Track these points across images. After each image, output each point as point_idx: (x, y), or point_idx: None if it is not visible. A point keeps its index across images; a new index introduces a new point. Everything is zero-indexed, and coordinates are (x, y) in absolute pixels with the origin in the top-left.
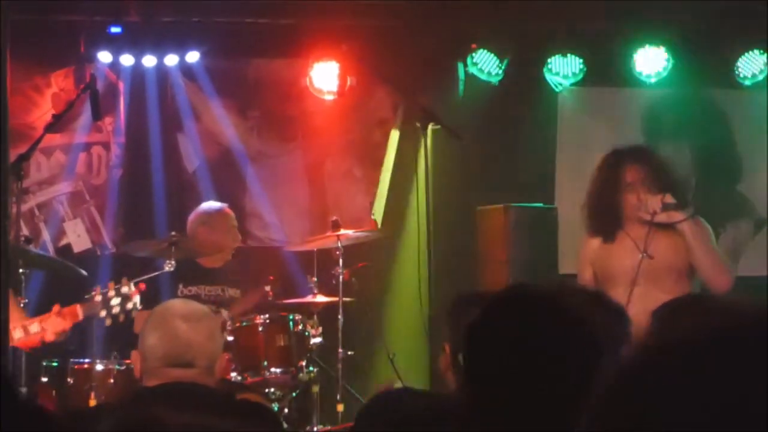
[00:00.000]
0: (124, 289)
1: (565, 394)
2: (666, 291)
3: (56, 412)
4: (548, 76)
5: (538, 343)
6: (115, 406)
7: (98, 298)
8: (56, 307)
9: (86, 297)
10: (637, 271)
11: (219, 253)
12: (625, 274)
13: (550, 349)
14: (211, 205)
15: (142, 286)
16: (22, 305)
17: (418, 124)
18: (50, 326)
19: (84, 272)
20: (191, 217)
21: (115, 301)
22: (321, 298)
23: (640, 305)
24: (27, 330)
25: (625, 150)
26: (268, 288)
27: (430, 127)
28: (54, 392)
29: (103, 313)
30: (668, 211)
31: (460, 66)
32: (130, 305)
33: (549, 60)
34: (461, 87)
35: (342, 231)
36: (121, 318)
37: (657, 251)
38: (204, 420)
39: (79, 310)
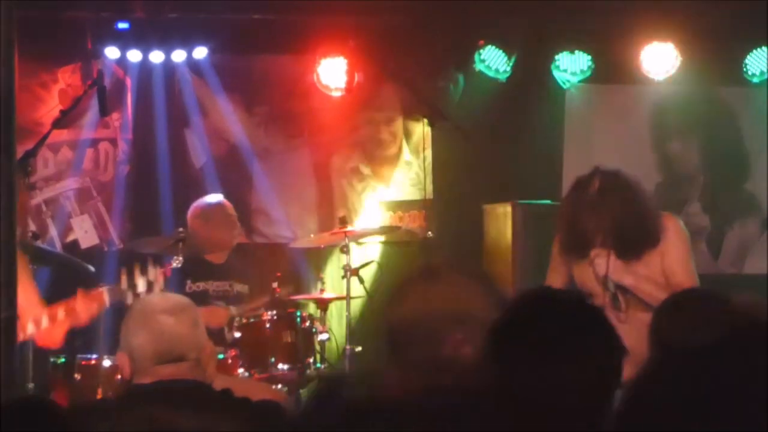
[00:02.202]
0: (151, 274)
1: (590, 393)
2: (648, 306)
3: (64, 407)
4: (556, 73)
5: (563, 343)
6: (113, 405)
7: (125, 283)
8: (80, 292)
9: (112, 286)
10: (603, 293)
11: (220, 247)
12: (603, 296)
13: (574, 349)
14: (207, 199)
15: (168, 271)
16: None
17: (425, 121)
18: (81, 310)
19: (91, 268)
20: (189, 212)
21: (141, 284)
22: (328, 295)
23: (627, 325)
24: (54, 317)
25: (589, 191)
26: (275, 284)
27: (437, 123)
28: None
29: (129, 299)
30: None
31: (460, 78)
32: (157, 289)
33: (557, 57)
34: (459, 89)
35: (349, 227)
36: None
37: (627, 281)
38: (207, 421)
39: (105, 296)
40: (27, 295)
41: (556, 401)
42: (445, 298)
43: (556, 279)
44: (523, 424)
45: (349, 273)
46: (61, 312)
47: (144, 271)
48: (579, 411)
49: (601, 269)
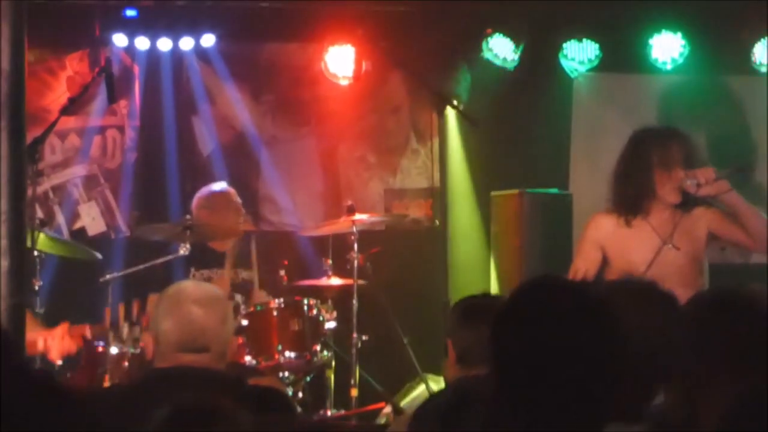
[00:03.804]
0: (135, 316)
1: (591, 379)
2: (688, 285)
3: (76, 390)
4: (564, 62)
5: (564, 330)
6: (129, 387)
7: (107, 323)
8: (65, 326)
9: (96, 325)
10: (651, 260)
11: (226, 234)
12: (645, 264)
13: (575, 336)
14: (212, 187)
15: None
16: (36, 314)
17: (432, 110)
18: (56, 346)
19: (99, 255)
20: (194, 201)
21: (126, 329)
22: (335, 282)
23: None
24: (34, 345)
25: (659, 129)
26: (282, 272)
27: (444, 112)
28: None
29: (111, 338)
30: (717, 182)
31: (464, 71)
32: (137, 332)
33: (564, 45)
34: (467, 78)
35: (357, 216)
36: (131, 350)
37: (680, 242)
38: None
39: (88, 333)
40: None
41: (557, 390)
42: None
43: (588, 264)
44: (525, 414)
45: (356, 261)
46: (39, 341)
47: (128, 312)
48: (581, 400)
49: (706, 173)
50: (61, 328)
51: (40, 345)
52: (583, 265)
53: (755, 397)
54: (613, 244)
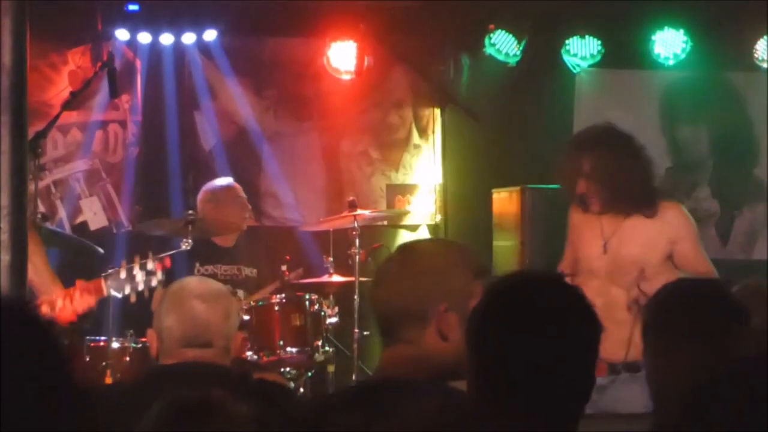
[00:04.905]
0: (149, 265)
1: (569, 372)
2: (624, 287)
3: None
4: (566, 58)
5: (542, 326)
6: (133, 384)
7: (123, 273)
8: (80, 283)
9: (110, 271)
10: (593, 257)
11: (230, 230)
12: (586, 262)
13: (551, 329)
14: (217, 182)
15: (168, 262)
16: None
17: (434, 105)
18: (76, 304)
19: (100, 250)
20: (199, 195)
21: (140, 276)
22: (337, 278)
23: (597, 299)
24: (53, 305)
25: (578, 139)
26: (284, 268)
27: (446, 107)
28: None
29: (127, 289)
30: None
31: (466, 66)
32: (154, 281)
33: (567, 41)
34: (465, 76)
35: (359, 211)
36: (146, 294)
37: (623, 243)
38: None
39: (103, 286)
40: (42, 278)
41: (535, 380)
42: (425, 273)
43: (571, 250)
44: (502, 403)
45: (358, 256)
46: (59, 301)
47: (143, 263)
48: (558, 389)
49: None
50: (77, 285)
51: (59, 305)
52: (567, 252)
53: (708, 388)
54: (573, 232)
